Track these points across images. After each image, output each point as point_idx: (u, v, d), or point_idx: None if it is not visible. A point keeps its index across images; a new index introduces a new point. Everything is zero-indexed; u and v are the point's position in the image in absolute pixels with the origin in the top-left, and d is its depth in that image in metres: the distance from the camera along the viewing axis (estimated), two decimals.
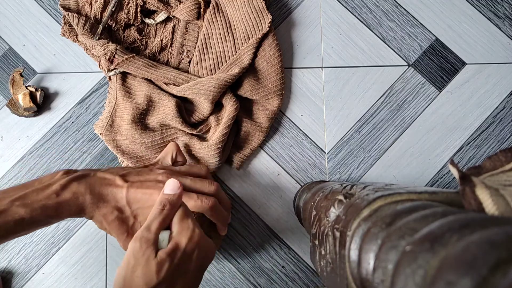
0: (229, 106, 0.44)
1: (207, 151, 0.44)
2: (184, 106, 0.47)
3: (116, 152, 0.45)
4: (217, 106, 0.46)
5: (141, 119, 0.45)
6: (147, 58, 0.47)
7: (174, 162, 0.39)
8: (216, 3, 0.47)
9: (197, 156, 0.45)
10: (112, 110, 0.46)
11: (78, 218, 0.46)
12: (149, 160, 0.45)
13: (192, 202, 0.34)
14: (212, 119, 0.46)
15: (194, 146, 0.45)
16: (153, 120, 0.46)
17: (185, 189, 0.34)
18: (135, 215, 0.33)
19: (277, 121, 0.48)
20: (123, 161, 0.46)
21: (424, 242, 0.18)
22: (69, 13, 0.45)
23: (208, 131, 0.46)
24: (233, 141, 0.47)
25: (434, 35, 0.50)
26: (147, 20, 0.48)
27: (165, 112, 0.45)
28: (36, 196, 0.30)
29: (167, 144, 0.45)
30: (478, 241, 0.15)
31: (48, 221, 0.31)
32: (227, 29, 0.47)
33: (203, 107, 0.45)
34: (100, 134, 0.46)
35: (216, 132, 0.44)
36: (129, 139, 0.45)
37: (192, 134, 0.46)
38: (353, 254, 0.23)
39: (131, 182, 0.33)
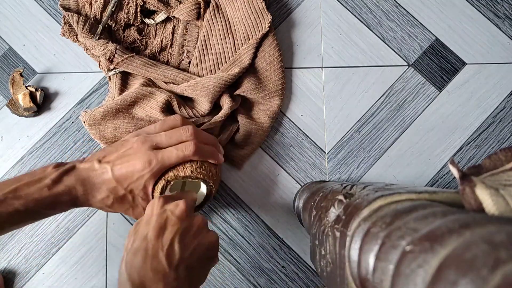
0: (225, 105, 0.44)
1: None
2: (183, 100, 0.46)
3: (99, 141, 0.45)
4: (216, 108, 0.46)
5: (128, 110, 0.45)
6: (147, 58, 0.46)
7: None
8: (216, 3, 0.47)
9: None
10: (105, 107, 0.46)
11: (79, 218, 0.46)
12: None
13: (174, 156, 0.34)
14: (206, 119, 0.46)
15: None
16: (140, 111, 0.45)
17: (163, 146, 0.35)
18: (130, 190, 0.34)
19: (277, 121, 0.48)
20: None
21: (424, 242, 0.18)
22: (69, 13, 0.45)
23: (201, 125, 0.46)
24: (234, 141, 0.47)
25: (434, 35, 0.50)
26: (147, 20, 0.48)
27: (151, 107, 0.44)
28: (28, 189, 0.31)
29: None
30: (478, 241, 0.15)
31: (43, 213, 0.32)
32: (227, 29, 0.47)
33: (202, 105, 0.45)
34: (84, 122, 0.45)
35: (207, 123, 0.44)
36: (113, 127, 0.44)
37: None
38: (353, 254, 0.23)
39: (111, 161, 0.33)
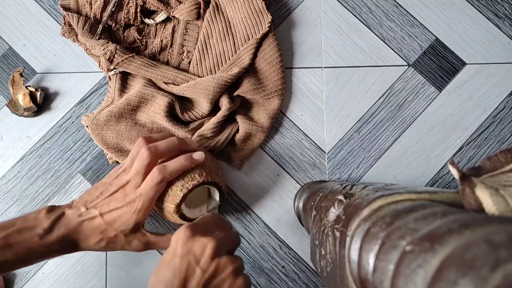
0: (223, 107, 0.45)
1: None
2: (183, 103, 0.47)
3: (101, 145, 0.45)
4: (216, 109, 0.46)
5: (132, 115, 0.45)
6: (147, 58, 0.47)
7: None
8: (216, 3, 0.47)
9: None
10: (106, 108, 0.46)
11: None
12: None
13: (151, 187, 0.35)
14: (206, 121, 0.46)
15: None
16: (144, 117, 0.45)
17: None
18: (121, 230, 0.34)
19: (277, 121, 0.48)
20: (107, 153, 0.46)
21: (424, 242, 0.18)
22: (69, 13, 0.45)
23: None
24: (234, 141, 0.47)
25: (434, 35, 0.50)
26: (146, 20, 0.48)
27: (155, 111, 0.44)
28: (19, 237, 0.31)
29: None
30: (478, 241, 0.15)
31: (35, 261, 0.33)
32: (227, 29, 0.47)
33: (202, 106, 0.45)
34: (87, 126, 0.45)
35: (206, 125, 0.45)
36: (116, 133, 0.44)
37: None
38: (353, 254, 0.23)
39: (100, 209, 0.34)
